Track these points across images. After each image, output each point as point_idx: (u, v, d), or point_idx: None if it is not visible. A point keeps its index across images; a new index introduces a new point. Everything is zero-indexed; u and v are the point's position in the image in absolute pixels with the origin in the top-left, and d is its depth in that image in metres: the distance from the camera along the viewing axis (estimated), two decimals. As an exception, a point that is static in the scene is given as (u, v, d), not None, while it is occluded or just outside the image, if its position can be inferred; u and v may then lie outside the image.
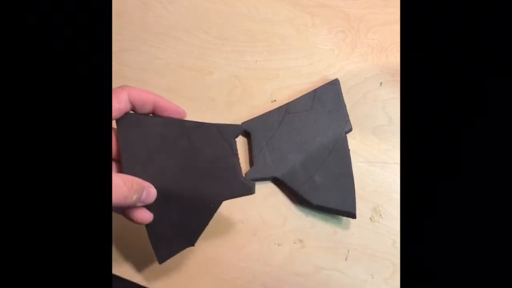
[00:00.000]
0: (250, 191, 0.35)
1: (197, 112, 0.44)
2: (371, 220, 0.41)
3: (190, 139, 0.35)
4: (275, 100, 0.45)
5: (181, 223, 0.34)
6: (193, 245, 0.35)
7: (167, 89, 0.46)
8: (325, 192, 0.40)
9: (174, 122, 0.35)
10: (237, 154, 0.35)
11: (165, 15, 0.49)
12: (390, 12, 0.49)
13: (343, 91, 0.44)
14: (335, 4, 0.49)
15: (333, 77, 0.45)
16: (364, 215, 0.41)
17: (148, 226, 0.34)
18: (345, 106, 0.43)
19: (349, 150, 0.41)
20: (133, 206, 0.32)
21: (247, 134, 0.43)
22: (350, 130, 0.43)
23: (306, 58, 0.47)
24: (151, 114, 0.36)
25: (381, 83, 0.45)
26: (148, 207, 0.33)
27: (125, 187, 0.30)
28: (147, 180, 0.33)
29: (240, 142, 0.43)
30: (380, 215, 0.41)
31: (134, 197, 0.31)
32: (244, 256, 0.40)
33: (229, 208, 0.41)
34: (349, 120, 0.43)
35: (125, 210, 0.33)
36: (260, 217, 0.41)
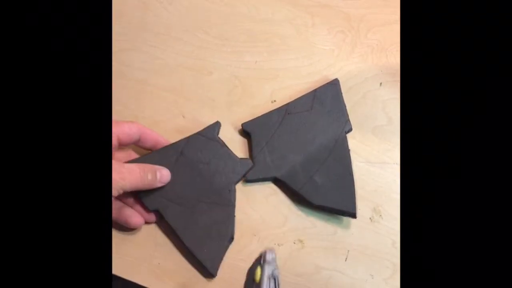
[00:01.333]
0: (248, 165, 0.41)
1: (197, 112, 0.44)
2: (371, 220, 0.41)
3: (185, 155, 0.41)
4: (275, 100, 0.45)
5: (212, 225, 0.39)
6: (232, 239, 0.39)
7: (167, 89, 0.46)
8: (325, 192, 0.40)
9: (167, 149, 0.41)
10: (225, 144, 0.41)
11: (165, 15, 0.49)
12: (390, 12, 0.48)
13: (343, 91, 0.44)
14: (335, 4, 0.49)
15: (333, 77, 0.45)
16: (364, 215, 0.41)
17: (187, 244, 0.38)
18: (345, 106, 0.43)
19: (349, 150, 0.41)
20: (151, 187, 0.38)
21: (247, 135, 0.43)
22: (350, 130, 0.43)
23: (306, 58, 0.47)
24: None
25: (381, 83, 0.45)
26: (178, 224, 0.39)
27: (138, 169, 0.37)
28: (166, 201, 0.39)
29: (240, 143, 0.43)
30: (380, 215, 0.41)
31: (149, 176, 0.37)
32: (244, 256, 0.40)
33: (229, 208, 0.41)
34: (349, 120, 0.43)
35: (120, 217, 0.38)
36: (260, 217, 0.41)
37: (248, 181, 0.41)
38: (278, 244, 0.40)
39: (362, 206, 0.41)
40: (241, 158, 0.41)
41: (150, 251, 0.40)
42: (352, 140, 0.43)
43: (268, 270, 0.30)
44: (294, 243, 0.40)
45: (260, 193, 0.42)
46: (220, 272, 0.39)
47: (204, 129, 0.42)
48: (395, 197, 0.42)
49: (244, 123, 0.43)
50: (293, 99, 0.43)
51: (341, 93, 0.43)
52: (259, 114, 0.43)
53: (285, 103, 0.43)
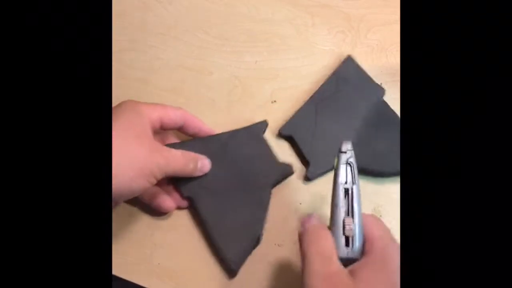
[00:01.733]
0: (288, 172, 0.41)
1: (197, 112, 0.44)
2: (371, 220, 0.41)
3: (228, 148, 0.40)
4: (275, 101, 0.45)
5: (241, 223, 0.38)
6: (259, 242, 0.39)
7: (167, 89, 0.46)
8: (391, 157, 0.40)
9: (210, 139, 0.40)
10: (268, 145, 0.41)
11: (165, 15, 0.49)
12: (390, 12, 0.48)
13: (343, 91, 0.44)
14: (335, 4, 0.49)
15: (333, 77, 0.45)
16: (364, 215, 0.41)
17: (214, 236, 0.38)
18: (368, 76, 0.44)
19: (393, 111, 0.42)
20: (190, 175, 0.38)
21: (289, 138, 0.43)
22: (384, 93, 0.43)
23: (306, 58, 0.47)
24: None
25: (381, 83, 0.45)
26: (208, 216, 0.39)
27: (182, 156, 0.37)
28: (201, 190, 0.39)
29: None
30: (380, 215, 0.41)
31: (191, 165, 0.37)
32: (244, 256, 0.40)
33: (229, 208, 0.41)
34: (379, 85, 0.43)
35: (153, 201, 0.39)
36: (260, 217, 0.41)
37: (309, 179, 0.41)
38: (278, 245, 0.40)
39: (362, 206, 0.41)
40: (282, 162, 0.41)
41: (150, 251, 0.40)
42: (352, 140, 0.43)
43: (343, 158, 0.31)
44: (294, 243, 0.40)
45: (260, 193, 0.42)
46: (220, 272, 0.39)
47: (251, 125, 0.41)
48: (395, 197, 0.41)
49: (281, 128, 0.42)
50: (293, 99, 0.44)
51: (359, 66, 0.44)
52: (260, 114, 0.43)
53: (285, 103, 0.43)
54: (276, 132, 0.43)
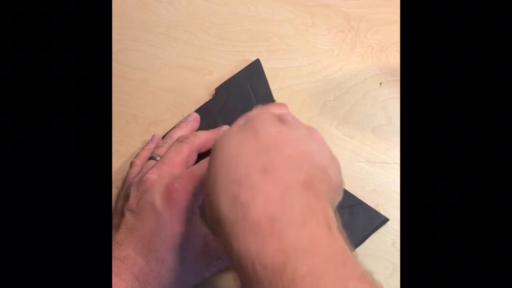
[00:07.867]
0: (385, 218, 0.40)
1: (197, 112, 0.44)
2: (371, 220, 0.41)
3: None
4: (275, 101, 0.45)
5: None
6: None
7: (167, 89, 0.46)
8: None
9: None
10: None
11: (165, 15, 0.49)
12: (390, 12, 0.48)
13: (343, 91, 0.44)
14: (335, 4, 0.49)
15: (333, 77, 0.45)
16: (364, 215, 0.41)
17: None
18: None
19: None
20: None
21: None
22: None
23: (306, 58, 0.47)
24: None
25: (381, 83, 0.45)
26: None
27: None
28: None
29: None
30: (380, 215, 0.41)
31: None
32: (244, 256, 0.40)
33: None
34: None
35: None
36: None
37: None
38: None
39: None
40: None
41: (150, 251, 0.40)
42: (352, 140, 0.43)
43: None
44: (294, 243, 0.40)
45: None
46: (220, 273, 0.39)
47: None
48: (395, 197, 0.41)
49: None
50: (293, 99, 0.43)
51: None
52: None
53: (285, 103, 0.43)
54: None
